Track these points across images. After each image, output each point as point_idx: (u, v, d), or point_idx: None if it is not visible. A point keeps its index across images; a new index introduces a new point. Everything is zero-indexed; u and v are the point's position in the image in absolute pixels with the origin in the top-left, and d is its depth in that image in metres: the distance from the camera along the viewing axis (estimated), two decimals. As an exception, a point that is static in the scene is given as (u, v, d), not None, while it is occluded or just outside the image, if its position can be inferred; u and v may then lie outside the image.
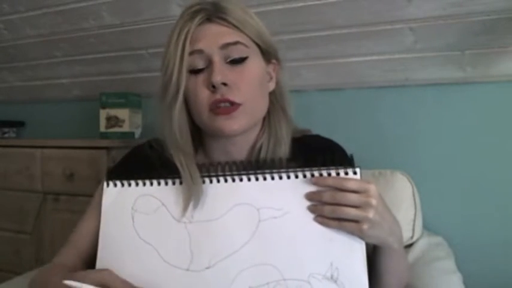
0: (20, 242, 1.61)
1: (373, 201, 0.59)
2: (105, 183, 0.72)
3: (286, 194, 0.65)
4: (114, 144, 1.44)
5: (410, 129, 1.28)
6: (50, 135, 1.84)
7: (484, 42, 1.15)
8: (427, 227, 1.15)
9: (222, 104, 0.66)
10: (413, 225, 1.08)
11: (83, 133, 1.74)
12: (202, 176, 0.68)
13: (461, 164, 1.22)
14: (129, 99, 1.55)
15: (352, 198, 0.60)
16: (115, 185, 0.72)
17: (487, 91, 1.20)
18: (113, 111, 1.56)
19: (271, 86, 0.75)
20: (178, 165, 0.68)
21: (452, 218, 1.22)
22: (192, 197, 0.66)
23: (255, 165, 0.69)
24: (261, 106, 0.72)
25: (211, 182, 0.68)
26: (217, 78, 0.65)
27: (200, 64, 0.68)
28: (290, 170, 0.66)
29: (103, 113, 1.57)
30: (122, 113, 1.54)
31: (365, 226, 0.60)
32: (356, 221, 0.60)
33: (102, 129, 1.57)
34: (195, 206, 0.67)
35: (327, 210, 0.61)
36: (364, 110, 1.34)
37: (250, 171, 0.67)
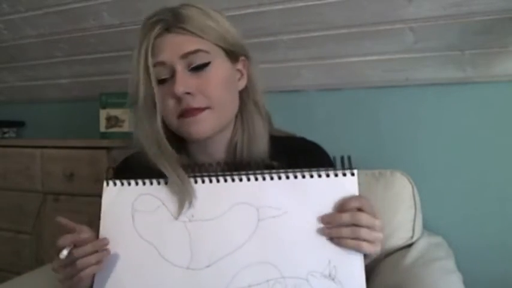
0: (20, 242, 1.61)
1: (378, 223, 0.62)
2: (105, 183, 0.73)
3: (285, 194, 0.66)
4: (114, 144, 1.44)
5: (410, 129, 1.28)
6: (50, 135, 1.84)
7: (484, 42, 1.15)
8: (427, 227, 1.15)
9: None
10: (413, 225, 1.08)
11: (83, 133, 1.73)
12: (202, 176, 0.69)
13: (461, 164, 1.22)
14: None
15: (364, 219, 0.61)
16: (115, 184, 0.72)
17: (487, 91, 1.20)
18: (113, 111, 1.56)
19: (242, 83, 0.76)
20: (164, 170, 0.69)
21: (452, 218, 1.22)
22: (185, 197, 0.67)
23: (254, 165, 0.70)
24: (230, 107, 0.73)
25: (211, 181, 0.69)
26: (180, 90, 0.66)
27: (165, 74, 0.69)
28: (289, 170, 0.67)
29: (103, 113, 1.57)
30: (122, 113, 1.54)
31: (378, 248, 0.63)
32: (370, 241, 0.62)
33: (102, 129, 1.57)
34: (194, 205, 0.68)
35: (346, 232, 0.62)
36: (364, 110, 1.34)
37: (250, 172, 0.68)
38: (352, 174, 0.65)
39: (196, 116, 0.68)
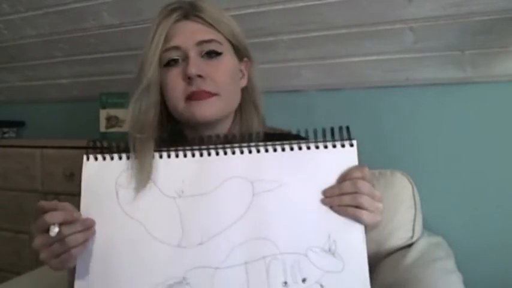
0: (20, 242, 1.61)
1: (378, 193, 0.62)
2: (84, 157, 0.68)
3: (282, 166, 0.63)
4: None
5: (410, 129, 1.28)
6: (50, 135, 1.84)
7: (484, 42, 1.15)
8: (427, 227, 1.15)
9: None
10: (413, 225, 1.08)
11: (83, 133, 1.73)
12: (193, 150, 0.66)
13: (461, 164, 1.22)
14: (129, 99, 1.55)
15: (365, 188, 0.61)
16: (95, 158, 0.67)
17: (487, 91, 1.20)
18: (113, 111, 1.56)
19: (244, 82, 0.78)
20: (130, 145, 0.67)
21: (452, 218, 1.22)
22: (140, 174, 0.65)
23: (248, 138, 0.68)
24: (234, 98, 0.75)
25: (201, 155, 0.65)
26: (193, 71, 0.68)
27: (176, 57, 0.71)
28: (285, 142, 0.64)
29: (103, 113, 1.57)
30: (122, 113, 1.54)
31: (379, 218, 0.61)
32: (370, 211, 0.61)
33: (102, 129, 1.57)
34: (185, 181, 0.65)
35: (347, 200, 0.61)
36: (364, 110, 1.33)
37: (243, 144, 0.65)
38: (351, 145, 0.63)
39: (203, 100, 0.70)
